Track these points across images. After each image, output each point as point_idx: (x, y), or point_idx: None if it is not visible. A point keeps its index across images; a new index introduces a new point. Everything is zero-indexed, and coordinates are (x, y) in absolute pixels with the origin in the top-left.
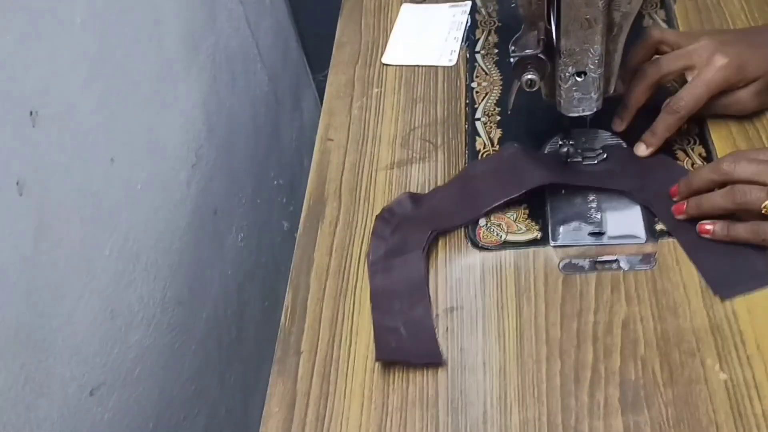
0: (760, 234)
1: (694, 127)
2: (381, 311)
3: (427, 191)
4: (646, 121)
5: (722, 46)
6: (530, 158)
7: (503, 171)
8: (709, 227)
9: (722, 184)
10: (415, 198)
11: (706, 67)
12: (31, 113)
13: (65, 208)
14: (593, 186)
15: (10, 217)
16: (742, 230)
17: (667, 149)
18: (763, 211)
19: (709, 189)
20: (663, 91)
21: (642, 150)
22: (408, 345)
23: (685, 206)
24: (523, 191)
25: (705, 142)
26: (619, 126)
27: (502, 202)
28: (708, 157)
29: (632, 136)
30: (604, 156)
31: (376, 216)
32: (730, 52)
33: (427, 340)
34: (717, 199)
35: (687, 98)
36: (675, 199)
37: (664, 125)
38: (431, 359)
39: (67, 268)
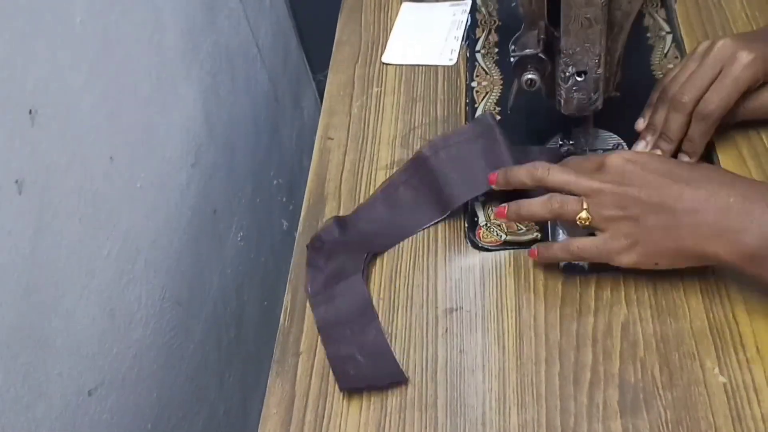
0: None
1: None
2: (333, 342)
3: None
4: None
5: (743, 43)
6: (449, 169)
7: (426, 189)
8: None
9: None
10: (341, 222)
11: (731, 65)
12: (30, 112)
13: (64, 208)
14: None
15: (9, 216)
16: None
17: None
18: (578, 222)
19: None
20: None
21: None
22: (367, 370)
23: (506, 211)
24: (447, 214)
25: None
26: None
27: (427, 226)
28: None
29: (632, 135)
30: None
31: (307, 245)
32: (753, 47)
33: (385, 361)
34: (536, 208)
35: (717, 100)
36: (494, 186)
37: (699, 133)
38: (394, 379)
39: (66, 268)
